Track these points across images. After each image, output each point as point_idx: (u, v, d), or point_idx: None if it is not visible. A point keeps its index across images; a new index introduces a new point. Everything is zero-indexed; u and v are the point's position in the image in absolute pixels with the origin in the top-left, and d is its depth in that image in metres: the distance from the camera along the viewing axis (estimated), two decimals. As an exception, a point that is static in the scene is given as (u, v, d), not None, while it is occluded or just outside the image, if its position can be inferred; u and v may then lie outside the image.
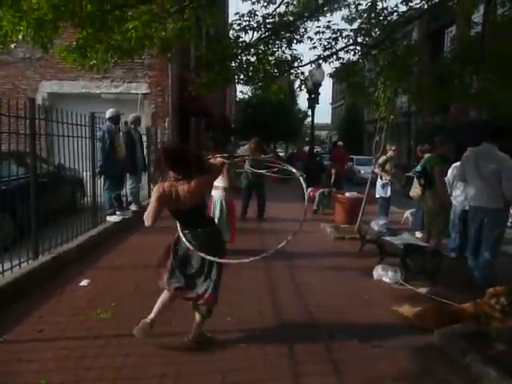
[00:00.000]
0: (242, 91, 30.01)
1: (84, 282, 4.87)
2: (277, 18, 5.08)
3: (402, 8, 5.27)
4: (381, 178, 8.53)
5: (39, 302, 4.24)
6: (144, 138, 9.74)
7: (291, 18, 5.14)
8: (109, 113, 7.72)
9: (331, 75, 7.24)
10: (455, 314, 3.90)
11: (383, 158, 8.42)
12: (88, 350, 3.33)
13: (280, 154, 38.37)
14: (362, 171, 19.70)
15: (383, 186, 8.51)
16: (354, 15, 5.72)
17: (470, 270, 5.35)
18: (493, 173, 4.98)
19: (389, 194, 8.55)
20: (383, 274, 5.36)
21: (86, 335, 3.58)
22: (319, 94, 13.31)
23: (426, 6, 5.15)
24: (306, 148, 26.75)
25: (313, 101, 13.27)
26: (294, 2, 5.74)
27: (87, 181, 7.36)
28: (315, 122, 15.41)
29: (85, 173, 7.21)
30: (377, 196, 8.68)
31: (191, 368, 3.13)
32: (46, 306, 4.17)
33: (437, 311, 4.01)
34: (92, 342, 3.48)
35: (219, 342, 3.55)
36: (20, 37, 4.09)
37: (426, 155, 8.11)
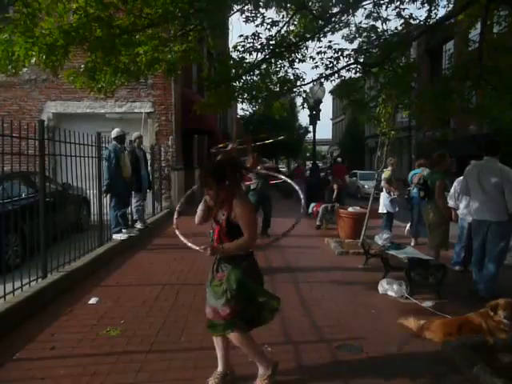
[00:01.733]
0: (243, 108, 30.30)
1: (93, 300, 4.93)
2: (279, 39, 5.24)
3: (400, 27, 5.45)
4: (388, 193, 8.59)
5: (49, 320, 4.30)
6: (148, 156, 9.89)
7: (293, 39, 5.30)
8: (114, 132, 7.86)
9: (332, 92, 7.39)
10: (460, 324, 3.94)
11: (388, 172, 8.51)
12: (100, 366, 3.38)
13: (282, 169, 38.52)
14: (366, 186, 19.77)
15: (392, 202, 8.57)
16: (354, 34, 5.89)
17: (475, 283, 5.40)
18: (495, 185, 5.06)
19: (397, 209, 8.65)
20: (388, 288, 5.39)
21: (97, 352, 3.63)
22: (320, 110, 13.47)
23: (424, 26, 5.30)
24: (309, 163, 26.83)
25: (314, 117, 13.43)
26: (295, 23, 5.92)
27: (93, 199, 7.45)
28: (316, 137, 15.53)
29: (90, 191, 7.30)
30: (384, 211, 8.70)
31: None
32: (56, 324, 4.23)
33: (443, 323, 4.05)
34: (103, 358, 3.53)
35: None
36: (32, 61, 4.23)
37: (422, 168, 8.32)
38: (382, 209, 8.74)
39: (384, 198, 8.66)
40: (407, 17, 5.10)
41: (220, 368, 3.18)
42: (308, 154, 48.53)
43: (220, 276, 3.03)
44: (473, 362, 3.38)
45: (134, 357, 3.56)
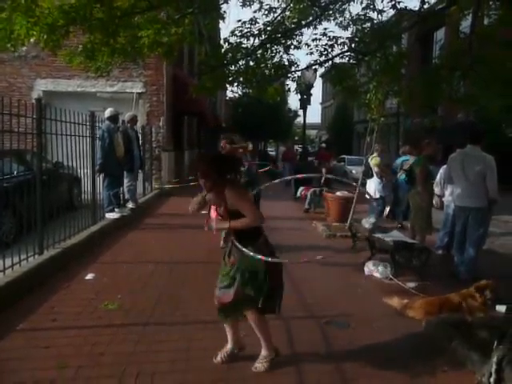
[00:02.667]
0: (233, 90, 30.16)
1: (89, 276, 5.09)
2: (276, 25, 5.34)
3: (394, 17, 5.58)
4: (380, 179, 8.75)
5: (48, 295, 4.45)
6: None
7: (290, 26, 5.39)
8: (108, 112, 7.90)
9: (323, 76, 7.49)
10: (441, 304, 4.19)
11: (378, 158, 8.69)
12: (100, 337, 3.55)
13: (271, 152, 38.65)
14: (354, 171, 19.87)
15: (384, 186, 8.79)
16: (348, 21, 6.00)
17: (456, 266, 5.65)
18: (478, 173, 5.28)
19: (388, 193, 8.94)
20: (374, 270, 5.62)
21: (96, 324, 3.81)
22: (311, 94, 13.56)
23: (417, 16, 5.43)
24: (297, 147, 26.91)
25: (305, 102, 13.51)
26: (291, 8, 5.99)
27: (86, 179, 7.49)
28: (306, 121, 15.62)
29: (83, 170, 7.31)
30: (376, 196, 8.84)
31: (199, 354, 3.35)
32: (55, 298, 4.38)
33: (424, 302, 4.29)
34: (103, 330, 3.70)
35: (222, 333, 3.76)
36: (32, 40, 4.28)
37: (410, 156, 8.57)
38: (375, 194, 8.84)
39: (376, 183, 8.81)
40: (402, 9, 5.24)
41: (229, 345, 3.29)
42: (297, 138, 48.63)
43: (232, 261, 3.10)
44: (451, 337, 3.62)
45: (132, 329, 3.74)
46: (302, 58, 5.20)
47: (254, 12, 5.16)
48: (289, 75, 5.78)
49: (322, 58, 5.37)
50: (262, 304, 3.06)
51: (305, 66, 5.85)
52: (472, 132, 5.59)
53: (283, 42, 5.27)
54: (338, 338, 3.76)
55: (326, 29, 5.38)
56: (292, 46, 5.39)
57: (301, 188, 12.25)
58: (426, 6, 5.51)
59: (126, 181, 8.75)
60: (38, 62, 12.34)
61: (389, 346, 3.66)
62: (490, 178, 5.22)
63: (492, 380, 2.82)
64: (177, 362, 3.23)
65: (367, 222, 6.96)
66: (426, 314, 4.12)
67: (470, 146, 5.48)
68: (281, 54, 5.47)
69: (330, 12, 5.59)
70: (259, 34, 5.15)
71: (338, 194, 9.81)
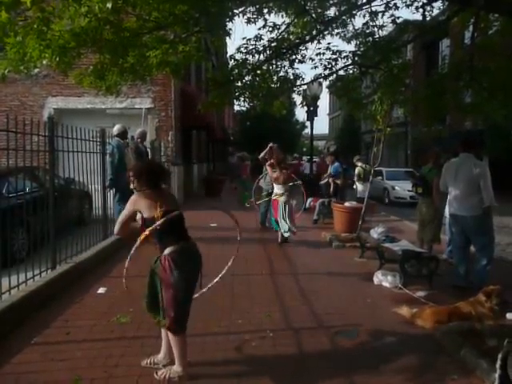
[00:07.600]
0: (240, 104, 30.35)
1: (101, 290, 5.17)
2: (280, 41, 5.47)
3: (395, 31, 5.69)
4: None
5: (62, 309, 4.54)
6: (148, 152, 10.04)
7: (294, 40, 5.51)
8: (116, 129, 8.05)
9: (329, 87, 7.60)
10: (450, 312, 4.20)
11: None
12: (113, 350, 3.62)
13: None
14: (398, 188, 17.66)
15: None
16: (352, 34, 6.11)
17: (459, 278, 5.57)
18: (471, 181, 5.24)
19: None
20: (383, 279, 5.63)
21: (109, 337, 3.88)
22: (318, 106, 13.66)
23: (419, 30, 5.54)
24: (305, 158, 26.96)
25: (311, 113, 13.61)
26: (294, 23, 6.12)
27: (96, 194, 7.59)
28: (313, 132, 15.69)
29: (93, 186, 7.41)
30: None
31: (209, 370, 3.39)
32: (69, 312, 4.47)
33: (434, 311, 4.31)
34: (116, 343, 3.77)
35: (232, 343, 3.82)
36: (44, 62, 4.42)
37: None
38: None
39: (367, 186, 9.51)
40: (403, 21, 5.34)
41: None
42: (305, 149, 48.74)
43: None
44: (461, 345, 3.64)
45: (144, 341, 3.80)
46: (307, 71, 5.32)
47: (259, 29, 5.30)
48: (294, 89, 5.88)
49: (327, 72, 5.47)
50: None
51: (310, 79, 5.95)
52: (464, 140, 5.56)
53: (288, 56, 5.39)
54: (347, 347, 3.79)
55: (329, 43, 5.51)
56: (297, 61, 5.50)
57: (309, 199, 12.29)
58: (428, 19, 5.60)
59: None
60: (49, 81, 12.60)
61: (398, 355, 3.68)
62: (485, 187, 5.16)
63: (497, 376, 2.83)
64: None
65: (376, 232, 6.98)
66: (435, 323, 4.14)
67: (462, 154, 5.47)
68: (286, 68, 5.58)
69: (333, 26, 5.70)
70: (264, 50, 5.27)
71: (347, 204, 9.85)
